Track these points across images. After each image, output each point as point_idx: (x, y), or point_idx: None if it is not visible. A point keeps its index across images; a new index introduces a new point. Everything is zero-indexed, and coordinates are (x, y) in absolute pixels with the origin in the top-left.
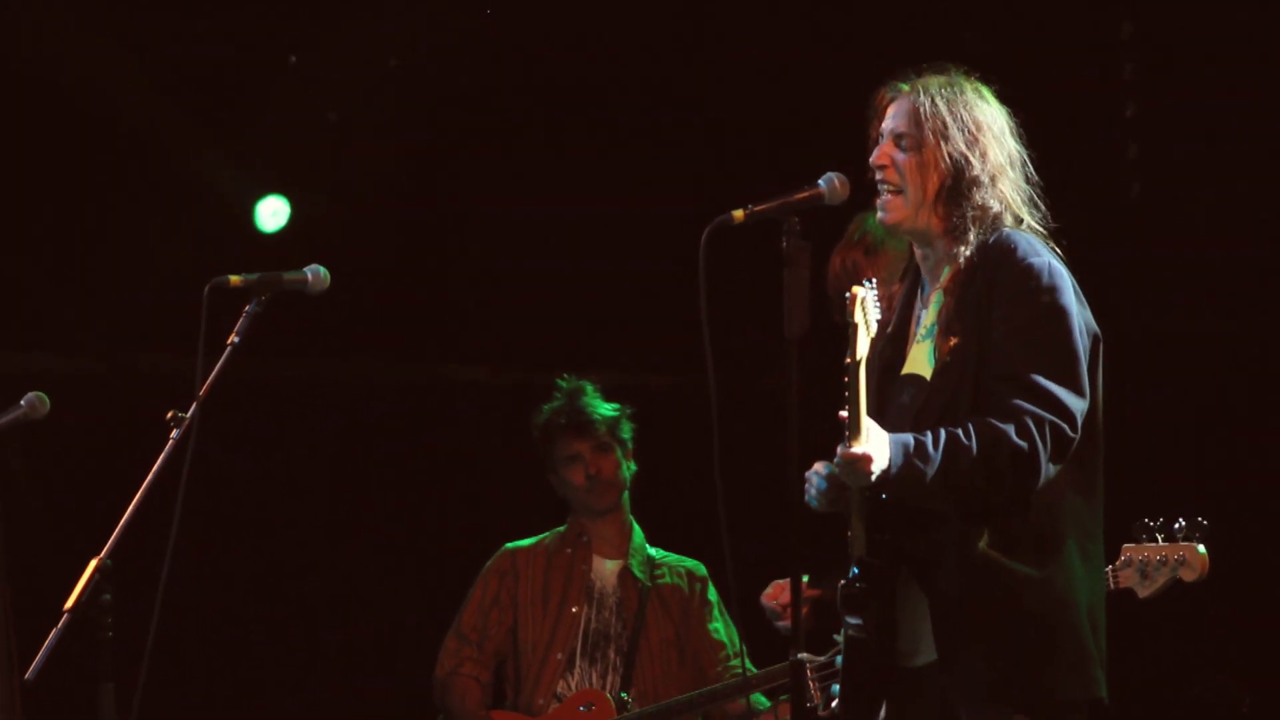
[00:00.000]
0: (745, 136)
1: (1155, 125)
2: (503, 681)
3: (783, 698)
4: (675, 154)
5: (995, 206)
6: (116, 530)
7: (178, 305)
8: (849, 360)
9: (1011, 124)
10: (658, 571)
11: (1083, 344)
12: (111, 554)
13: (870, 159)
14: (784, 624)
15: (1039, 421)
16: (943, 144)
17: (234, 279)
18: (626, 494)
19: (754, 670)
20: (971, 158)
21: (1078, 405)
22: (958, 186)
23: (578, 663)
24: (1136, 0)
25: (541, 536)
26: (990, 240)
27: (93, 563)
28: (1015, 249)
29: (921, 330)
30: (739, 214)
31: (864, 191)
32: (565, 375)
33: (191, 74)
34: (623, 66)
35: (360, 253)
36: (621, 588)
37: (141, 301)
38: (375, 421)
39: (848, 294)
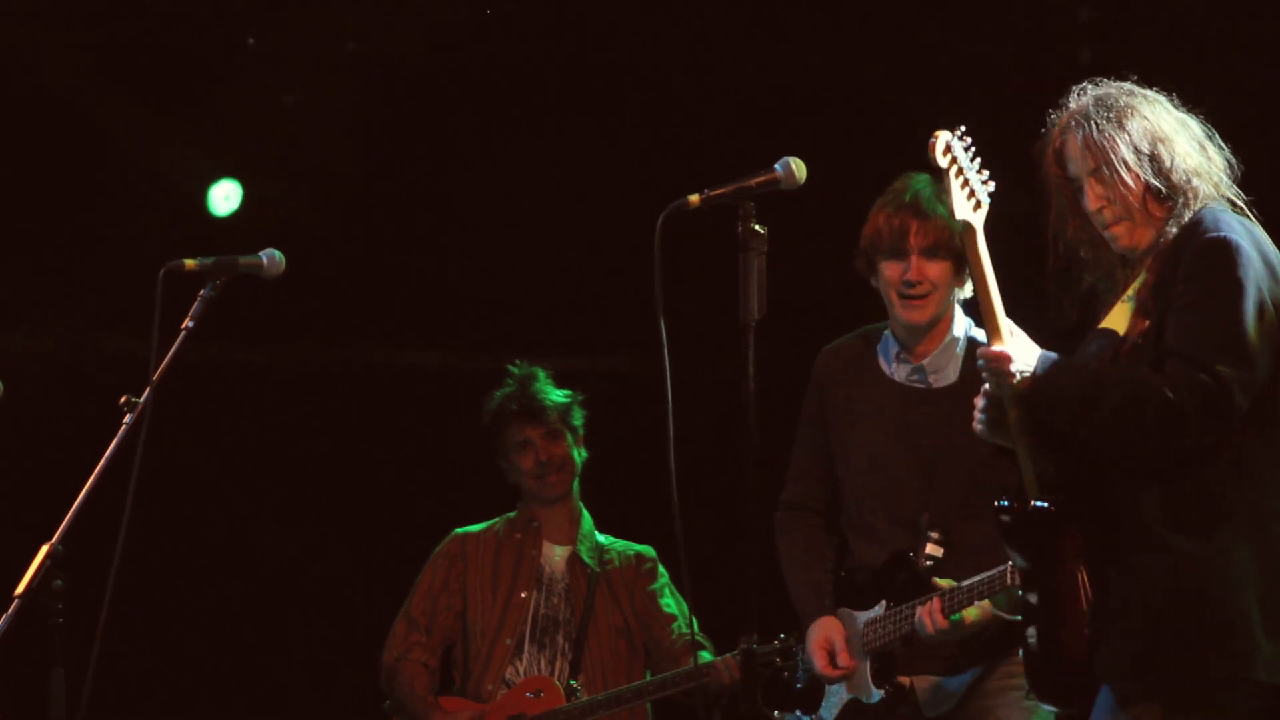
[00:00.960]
0: (703, 120)
1: None
2: (450, 667)
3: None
4: (631, 138)
5: (1197, 183)
6: (68, 516)
7: (133, 289)
8: (961, 237)
9: (1174, 103)
10: (607, 557)
11: (1253, 315)
12: (63, 539)
13: (1089, 209)
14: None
15: (1191, 381)
16: (1129, 158)
17: (189, 263)
18: (577, 480)
19: (703, 637)
20: (1159, 152)
21: (1237, 375)
22: (1162, 185)
23: (526, 648)
24: None
25: (492, 522)
26: (1189, 218)
27: (44, 548)
28: (1202, 224)
29: (1128, 292)
30: (694, 199)
31: (825, 182)
32: (518, 361)
33: (147, 57)
34: (579, 49)
35: (316, 237)
36: (570, 574)
37: (97, 285)
38: (328, 406)
39: (932, 138)
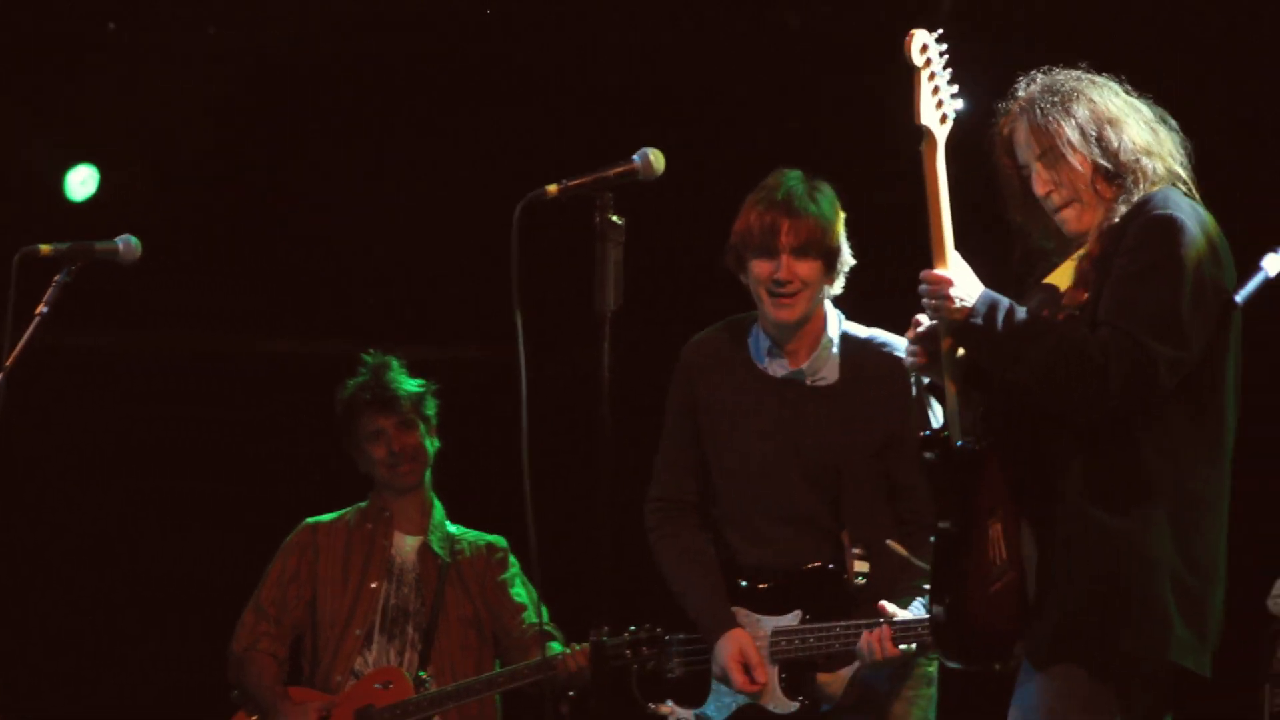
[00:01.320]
0: (565, 111)
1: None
2: (299, 657)
3: (577, 646)
4: (492, 127)
5: (1146, 161)
6: None
7: None
8: (921, 146)
9: (1123, 88)
10: (457, 548)
11: (1190, 296)
12: None
13: (1037, 194)
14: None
15: (1120, 348)
16: (1075, 140)
17: (44, 248)
18: (429, 470)
19: (552, 627)
20: (1105, 134)
21: (1167, 352)
22: (1110, 165)
23: (376, 639)
24: None
25: (343, 511)
26: (1139, 197)
27: None
28: (1150, 202)
29: (1074, 256)
30: (552, 188)
31: (685, 174)
32: (371, 350)
33: (2, 40)
34: (440, 36)
35: (172, 224)
36: (421, 564)
37: None
38: (181, 393)
39: (909, 35)
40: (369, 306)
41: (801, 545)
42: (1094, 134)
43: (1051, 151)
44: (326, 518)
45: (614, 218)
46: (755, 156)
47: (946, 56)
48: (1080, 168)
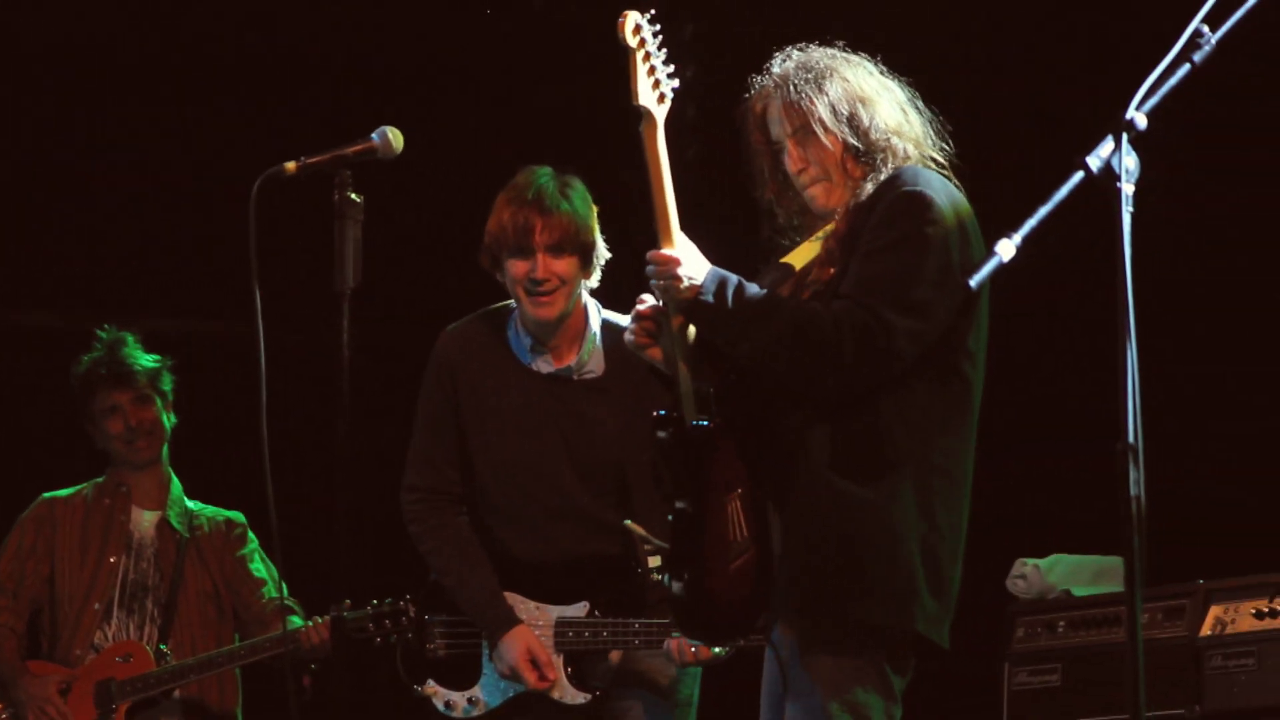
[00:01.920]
0: (305, 88)
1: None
2: (38, 633)
3: (320, 619)
4: (234, 102)
5: (896, 142)
6: None
7: None
8: (641, 127)
9: (878, 68)
10: (196, 523)
11: (935, 270)
12: None
13: (789, 170)
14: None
15: (854, 319)
16: (827, 119)
17: (290, 166)
18: (166, 446)
19: (292, 602)
20: (857, 112)
21: (905, 324)
22: (860, 145)
23: (115, 613)
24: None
25: (80, 487)
26: (887, 175)
27: None
28: (900, 178)
29: (816, 235)
30: (291, 165)
31: (427, 146)
32: (106, 325)
33: None
34: (183, 9)
35: None
36: (160, 539)
37: None
38: None
39: (622, 16)
40: (106, 278)
41: (582, 539)
42: (845, 113)
43: (804, 129)
44: (64, 493)
45: (353, 195)
46: (498, 136)
47: (660, 37)
48: (830, 146)
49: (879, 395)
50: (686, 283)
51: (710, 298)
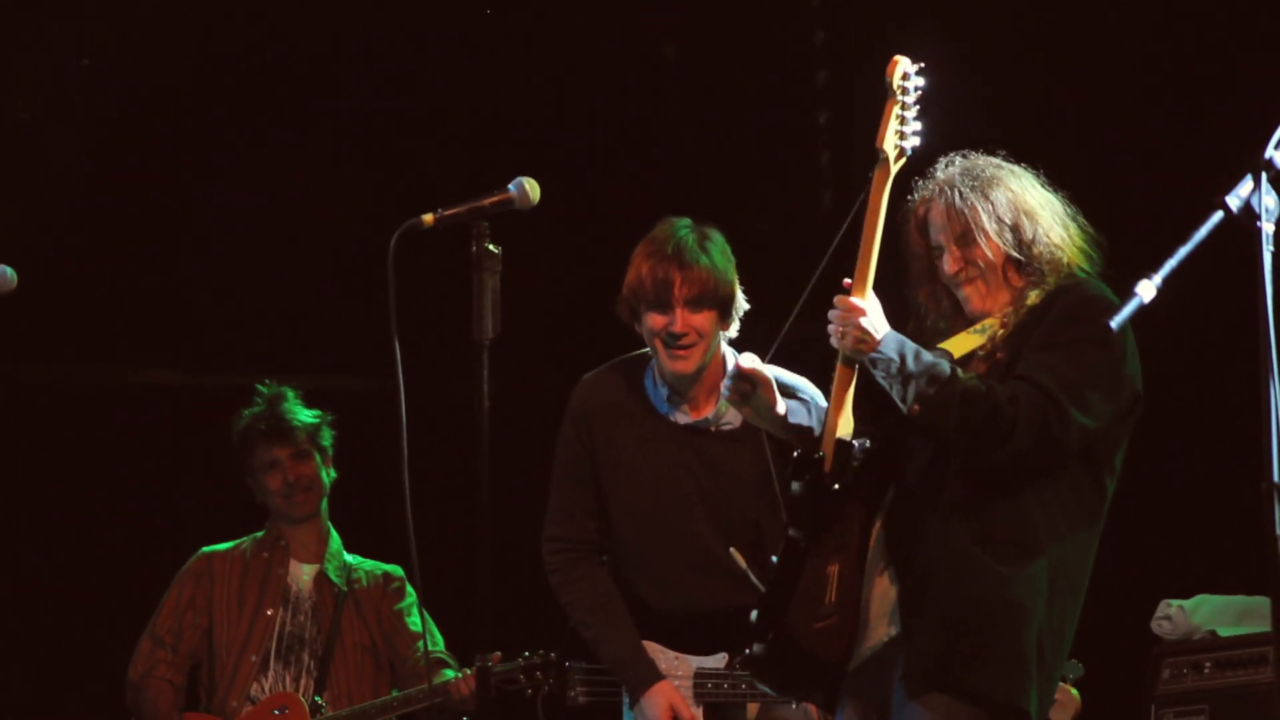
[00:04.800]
0: (441, 138)
1: (847, 133)
2: (196, 686)
3: (468, 671)
4: (371, 155)
5: (1060, 255)
6: None
7: None
8: (873, 171)
9: (1040, 179)
10: (354, 576)
11: (1109, 379)
12: None
13: (946, 273)
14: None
15: (1033, 401)
16: (990, 227)
17: (428, 218)
18: (325, 500)
19: (447, 655)
20: (1021, 223)
21: (1080, 421)
22: (1022, 256)
23: (272, 665)
24: (828, 8)
25: (239, 541)
26: (1063, 282)
27: None
28: (1084, 286)
29: (975, 328)
30: (429, 218)
31: (558, 200)
32: (267, 381)
33: None
34: (320, 67)
35: (49, 254)
36: (317, 592)
37: None
38: (69, 427)
39: (894, 59)
40: (251, 337)
41: (719, 591)
42: (1010, 222)
43: (965, 235)
44: (222, 547)
45: (490, 246)
46: (634, 186)
47: (920, 92)
48: (992, 254)
49: (1027, 481)
50: (865, 335)
51: (892, 354)
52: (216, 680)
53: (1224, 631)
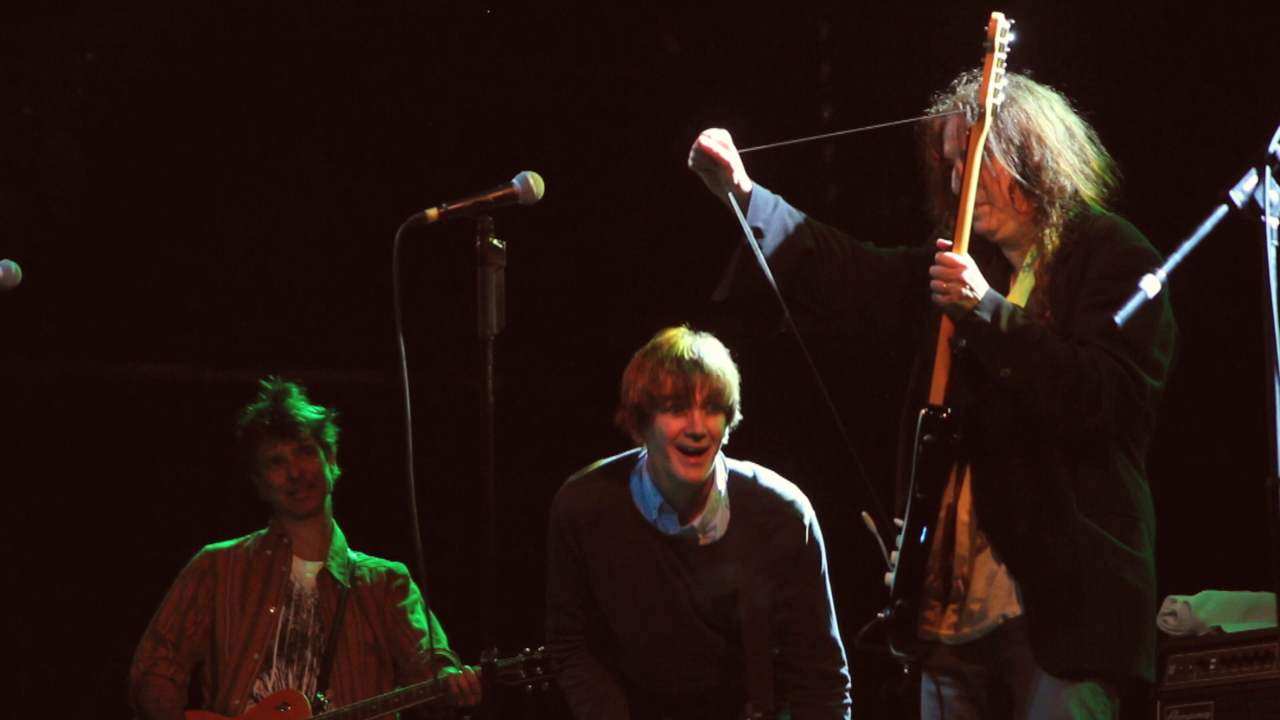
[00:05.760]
0: (445, 133)
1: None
2: (200, 684)
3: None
4: (376, 150)
5: (1067, 184)
6: None
7: None
8: (966, 143)
9: (1065, 101)
10: (358, 574)
11: (1165, 334)
12: None
13: (952, 187)
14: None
15: (1112, 367)
16: (995, 144)
17: (431, 212)
18: (329, 497)
19: (449, 652)
20: (1030, 146)
21: (1151, 385)
22: (1027, 176)
23: (274, 663)
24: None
25: (243, 538)
26: (1088, 224)
27: None
28: (1118, 231)
29: (1022, 274)
30: (433, 212)
31: (564, 197)
32: (271, 376)
33: None
34: (322, 60)
35: (52, 249)
36: (320, 589)
37: None
38: (73, 421)
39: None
40: (255, 332)
41: (725, 675)
42: (1018, 143)
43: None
44: (226, 545)
45: (495, 241)
46: (638, 180)
47: (1010, 49)
48: (997, 174)
49: (1111, 447)
50: (966, 292)
51: (987, 315)
52: (219, 678)
53: (1229, 628)
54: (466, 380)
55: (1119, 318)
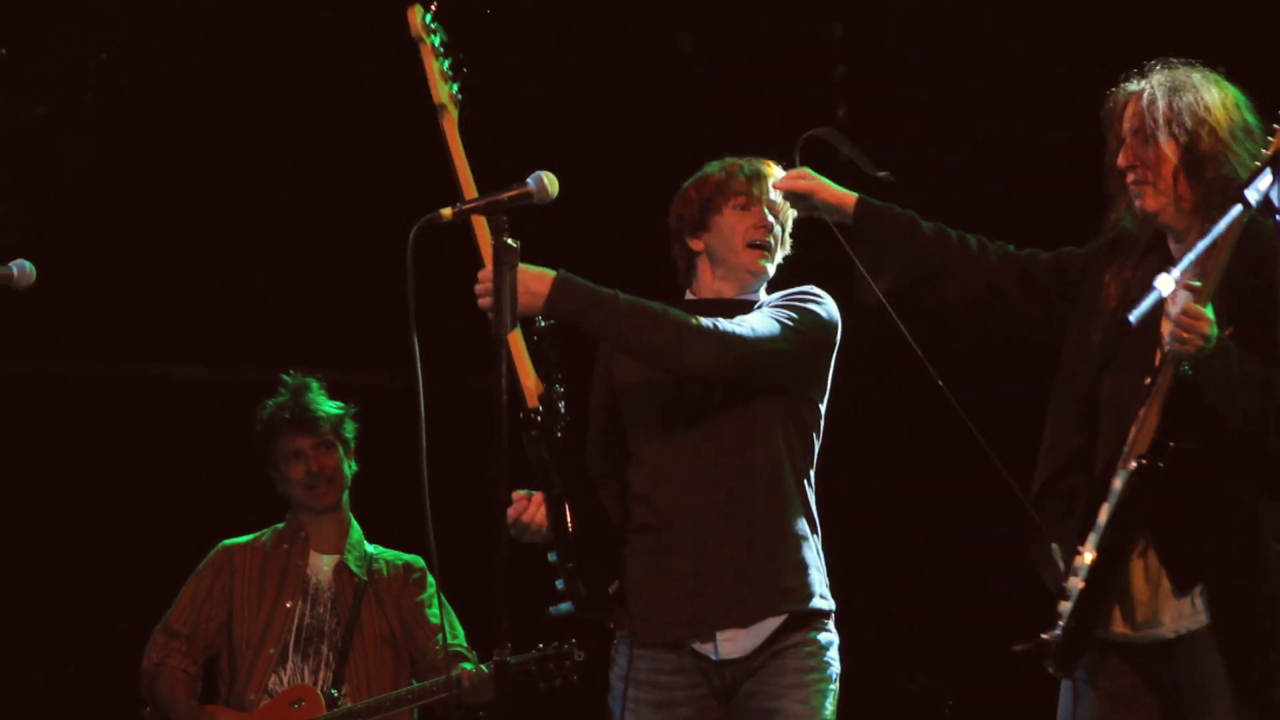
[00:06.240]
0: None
1: (865, 126)
2: (215, 678)
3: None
4: (388, 147)
5: (1233, 176)
6: None
7: None
8: (1242, 202)
9: (1245, 101)
10: (375, 566)
11: None
12: None
13: (1118, 162)
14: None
15: None
16: (1170, 129)
17: (446, 211)
18: (347, 492)
19: (465, 648)
20: (1201, 135)
21: None
22: (1194, 165)
23: (291, 658)
24: (847, 1)
25: (260, 533)
26: (1252, 225)
27: None
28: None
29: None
30: (448, 211)
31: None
32: (291, 371)
33: None
34: (332, 60)
35: (67, 248)
36: (337, 582)
37: None
38: (89, 420)
39: None
40: (271, 332)
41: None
42: (1189, 127)
43: (1143, 130)
44: (243, 540)
45: (509, 240)
46: (652, 178)
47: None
48: (1169, 154)
49: None
50: (1204, 344)
51: (1220, 363)
52: (235, 673)
53: None
54: (482, 379)
55: (1133, 317)
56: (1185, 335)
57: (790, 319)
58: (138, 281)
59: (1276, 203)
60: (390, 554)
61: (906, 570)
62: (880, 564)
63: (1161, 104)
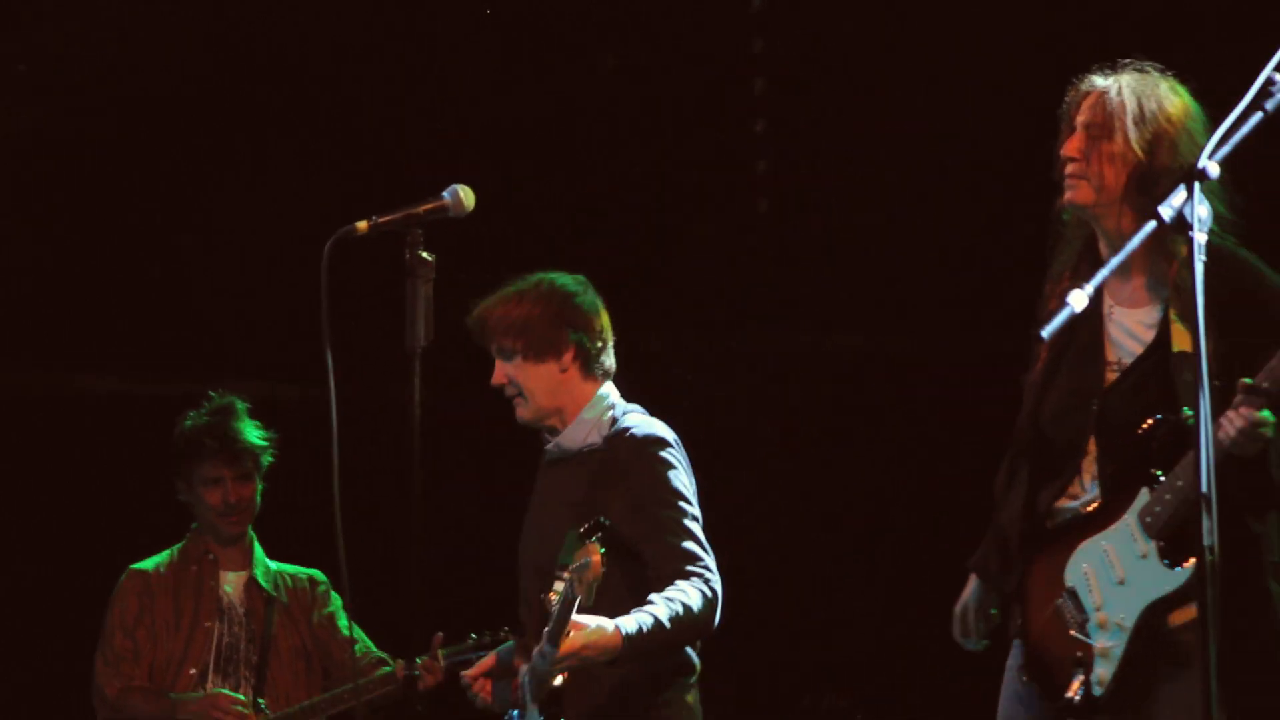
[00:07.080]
0: (376, 146)
1: (783, 141)
2: None
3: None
4: (306, 161)
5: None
6: None
7: None
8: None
9: (1201, 115)
10: (280, 582)
11: None
12: None
13: (1064, 151)
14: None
15: None
16: (1130, 132)
17: (361, 225)
18: None
19: (383, 655)
20: (1159, 148)
21: None
22: (1147, 175)
23: (210, 677)
24: (767, 16)
25: (163, 555)
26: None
27: None
28: (1253, 267)
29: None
30: (363, 225)
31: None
32: (217, 389)
33: None
34: (255, 73)
35: None
36: (248, 598)
37: None
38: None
39: None
40: (187, 343)
41: None
42: (1150, 138)
43: (1105, 126)
44: (150, 563)
45: (424, 254)
46: (569, 194)
47: None
48: (1123, 155)
49: None
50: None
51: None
52: None
53: None
54: (395, 392)
55: (1045, 332)
56: (1243, 440)
57: (699, 562)
58: (57, 293)
59: (1189, 219)
60: (291, 568)
61: (813, 589)
62: (785, 583)
63: (1130, 105)
